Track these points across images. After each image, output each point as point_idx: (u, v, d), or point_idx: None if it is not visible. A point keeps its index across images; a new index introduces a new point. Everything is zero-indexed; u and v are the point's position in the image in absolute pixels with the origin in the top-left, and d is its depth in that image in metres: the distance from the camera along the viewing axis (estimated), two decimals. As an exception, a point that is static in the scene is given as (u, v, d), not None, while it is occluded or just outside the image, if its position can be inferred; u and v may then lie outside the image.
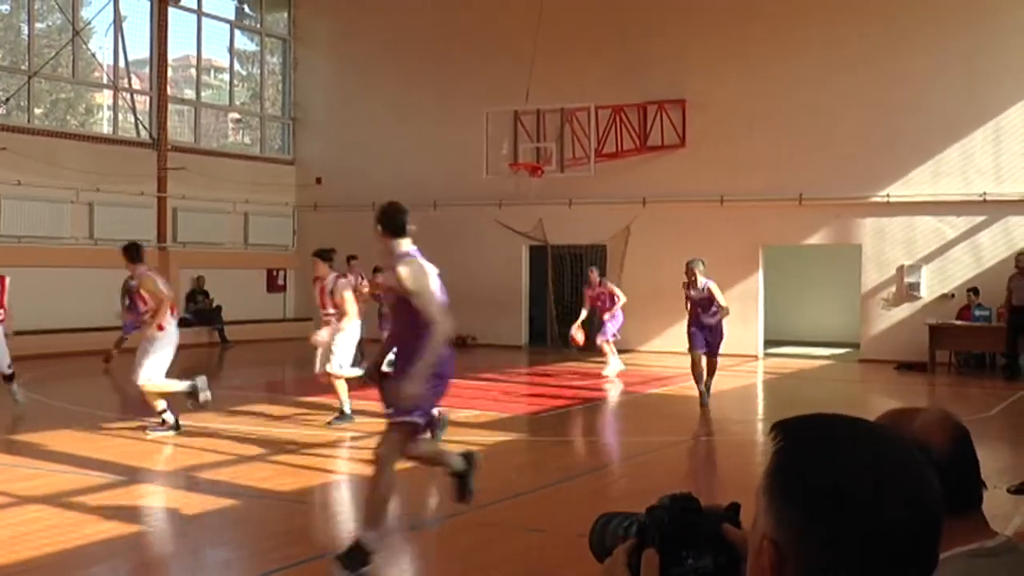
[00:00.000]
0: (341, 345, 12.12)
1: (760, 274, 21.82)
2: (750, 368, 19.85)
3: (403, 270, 6.48)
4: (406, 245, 6.64)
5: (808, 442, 1.28)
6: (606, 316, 17.76)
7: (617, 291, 17.83)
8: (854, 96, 20.59)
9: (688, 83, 22.01)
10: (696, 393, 14.09)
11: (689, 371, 14.32)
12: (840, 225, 21.19)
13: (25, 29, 22.76)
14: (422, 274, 6.52)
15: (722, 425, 13.38)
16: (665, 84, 22.08)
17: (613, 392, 16.47)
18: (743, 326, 20.49)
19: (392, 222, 6.61)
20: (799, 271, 24.49)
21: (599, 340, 17.81)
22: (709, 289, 13.93)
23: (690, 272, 14.05)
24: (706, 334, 14.03)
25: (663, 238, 21.98)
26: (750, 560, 1.30)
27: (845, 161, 20.67)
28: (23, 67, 22.17)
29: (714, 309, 13.98)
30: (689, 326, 14.27)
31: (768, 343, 22.35)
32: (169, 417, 11.31)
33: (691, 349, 14.24)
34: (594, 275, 18.07)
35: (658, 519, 1.43)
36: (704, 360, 14.12)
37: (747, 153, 21.41)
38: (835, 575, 1.22)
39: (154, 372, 11.31)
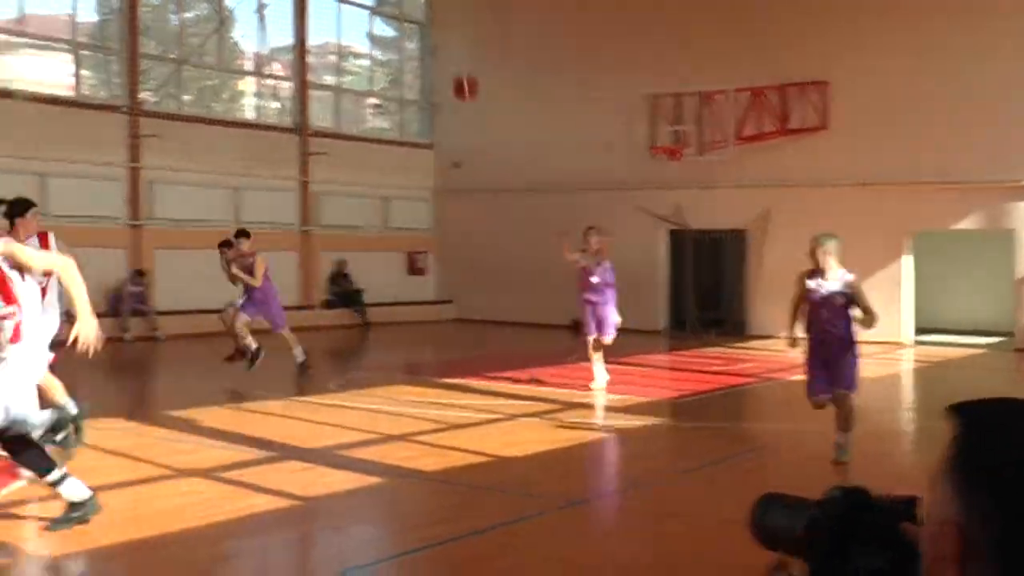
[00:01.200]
0: None
1: (907, 260, 21.18)
2: (895, 356, 19.31)
3: None
4: None
5: (992, 424, 1.23)
6: (605, 306, 14.07)
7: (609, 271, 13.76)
8: (1003, 75, 19.71)
9: (830, 64, 21.42)
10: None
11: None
12: (991, 209, 20.43)
13: (174, 19, 23.53)
14: None
15: (865, 415, 12.99)
16: (806, 65, 21.54)
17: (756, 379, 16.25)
18: (885, 313, 19.90)
19: None
20: (948, 257, 23.65)
21: (607, 336, 14.13)
22: (850, 284, 9.10)
23: (817, 253, 9.10)
24: (829, 362, 9.21)
25: (804, 223, 21.38)
26: (927, 548, 1.25)
27: (996, 143, 19.84)
28: (172, 55, 22.91)
29: (849, 317, 9.13)
30: (809, 357, 9.37)
31: (917, 331, 21.70)
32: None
33: (809, 395, 9.52)
34: (593, 239, 13.50)
35: (831, 515, 1.39)
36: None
37: (891, 135, 20.74)
38: None
39: None
